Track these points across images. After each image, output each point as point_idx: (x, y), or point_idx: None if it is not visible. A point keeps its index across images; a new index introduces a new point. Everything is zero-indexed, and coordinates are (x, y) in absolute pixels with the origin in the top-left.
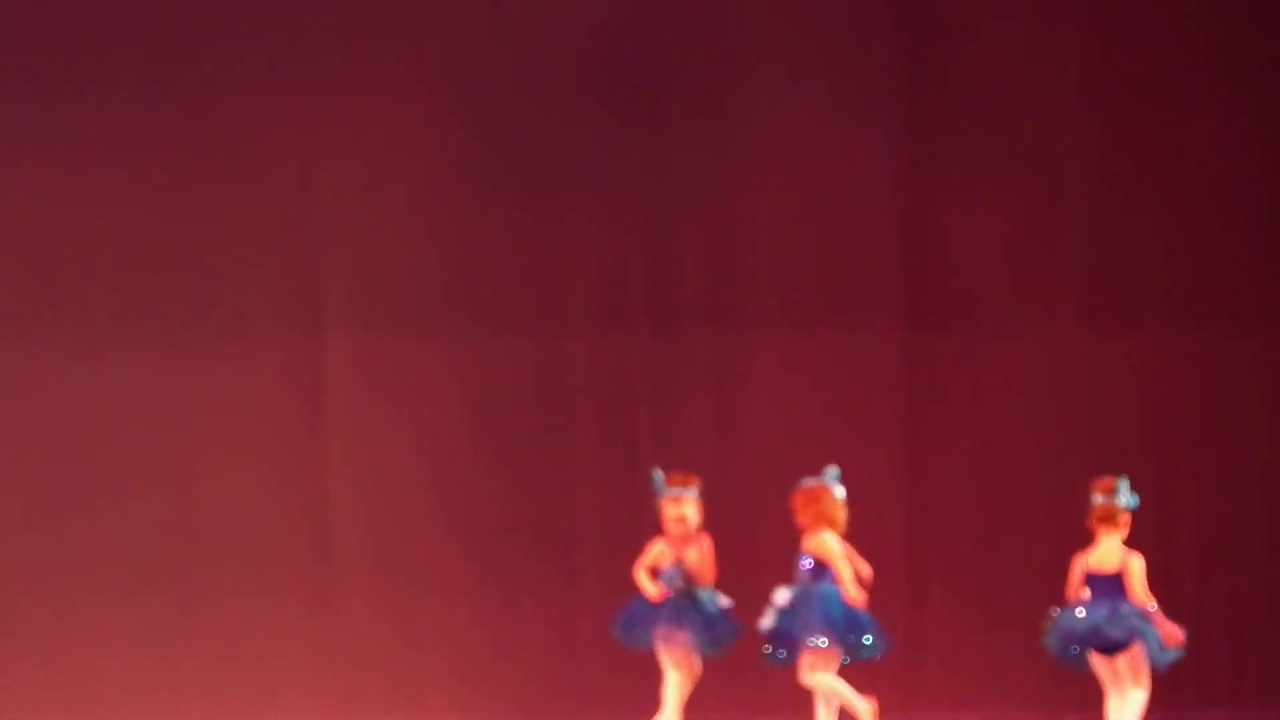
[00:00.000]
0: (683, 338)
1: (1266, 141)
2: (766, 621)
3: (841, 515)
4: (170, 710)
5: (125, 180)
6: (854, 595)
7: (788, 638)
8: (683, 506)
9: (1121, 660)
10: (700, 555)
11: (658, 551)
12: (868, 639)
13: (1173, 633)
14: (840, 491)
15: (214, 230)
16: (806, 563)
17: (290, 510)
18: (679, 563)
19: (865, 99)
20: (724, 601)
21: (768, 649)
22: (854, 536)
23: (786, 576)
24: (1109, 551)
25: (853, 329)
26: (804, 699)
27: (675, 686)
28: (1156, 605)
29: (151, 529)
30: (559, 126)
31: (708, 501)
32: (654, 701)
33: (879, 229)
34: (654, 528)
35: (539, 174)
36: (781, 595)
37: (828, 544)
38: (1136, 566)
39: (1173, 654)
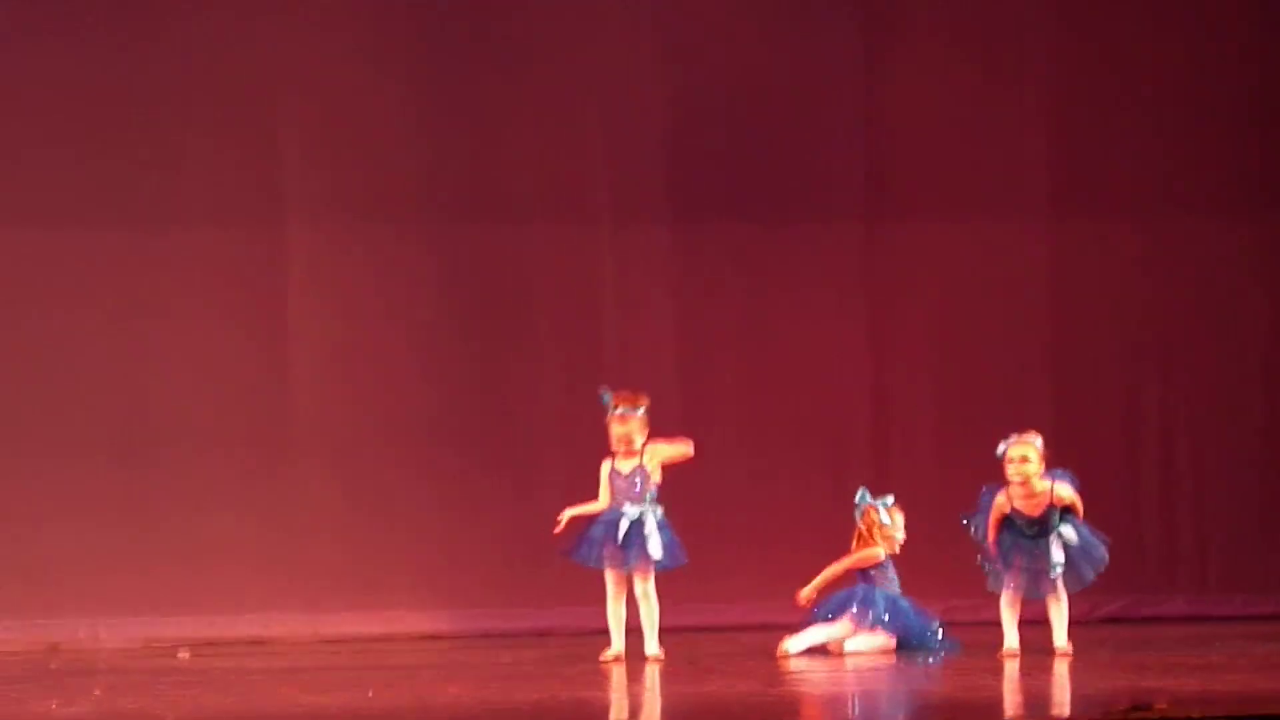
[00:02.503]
0: (644, 233)
1: (1232, 29)
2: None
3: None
4: (124, 589)
5: (88, 62)
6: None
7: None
8: (628, 425)
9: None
10: (652, 461)
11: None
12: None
13: None
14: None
15: (172, 112)
16: None
17: (248, 398)
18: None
19: None
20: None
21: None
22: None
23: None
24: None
25: (814, 219)
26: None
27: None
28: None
29: (110, 408)
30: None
31: (670, 401)
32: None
33: (840, 119)
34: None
35: (499, 65)
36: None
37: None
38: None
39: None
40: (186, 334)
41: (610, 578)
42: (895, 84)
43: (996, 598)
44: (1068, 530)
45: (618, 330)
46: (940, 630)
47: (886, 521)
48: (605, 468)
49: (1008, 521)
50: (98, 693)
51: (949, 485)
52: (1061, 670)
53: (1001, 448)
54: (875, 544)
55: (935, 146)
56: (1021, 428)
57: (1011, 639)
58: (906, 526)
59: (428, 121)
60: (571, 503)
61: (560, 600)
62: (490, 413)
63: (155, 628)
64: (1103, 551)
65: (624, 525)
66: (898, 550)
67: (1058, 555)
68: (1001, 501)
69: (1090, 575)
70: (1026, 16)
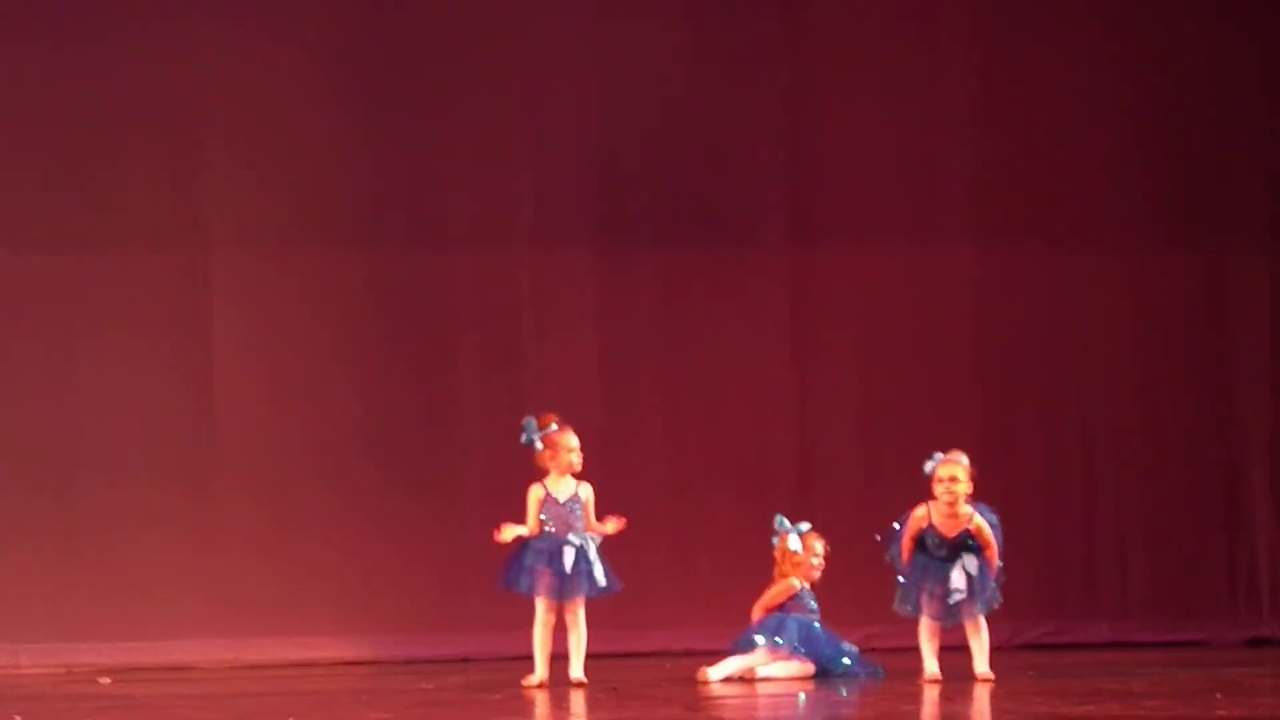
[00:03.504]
0: (568, 256)
1: (1155, 55)
2: None
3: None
4: (44, 615)
5: (9, 83)
6: None
7: None
8: (575, 441)
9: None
10: (587, 491)
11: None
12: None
13: None
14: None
15: (98, 136)
16: None
17: (170, 422)
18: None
19: (748, 14)
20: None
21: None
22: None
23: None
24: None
25: (738, 242)
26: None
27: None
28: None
29: (33, 434)
30: (442, 37)
31: (593, 424)
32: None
33: (763, 142)
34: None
35: (427, 86)
36: None
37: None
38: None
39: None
40: (107, 357)
41: (543, 605)
42: (819, 109)
43: (917, 624)
44: (970, 560)
45: (541, 352)
46: (856, 656)
47: (796, 549)
48: (538, 492)
49: (920, 541)
50: (17, 718)
51: (872, 509)
52: (982, 696)
53: (930, 465)
54: (787, 573)
55: (858, 171)
56: (946, 450)
57: (931, 665)
58: (829, 552)
59: (353, 144)
60: (494, 525)
61: (482, 626)
62: (413, 437)
63: (76, 654)
64: (997, 594)
65: (569, 555)
66: (814, 577)
67: (958, 581)
68: (921, 515)
69: (981, 611)
70: (949, 44)
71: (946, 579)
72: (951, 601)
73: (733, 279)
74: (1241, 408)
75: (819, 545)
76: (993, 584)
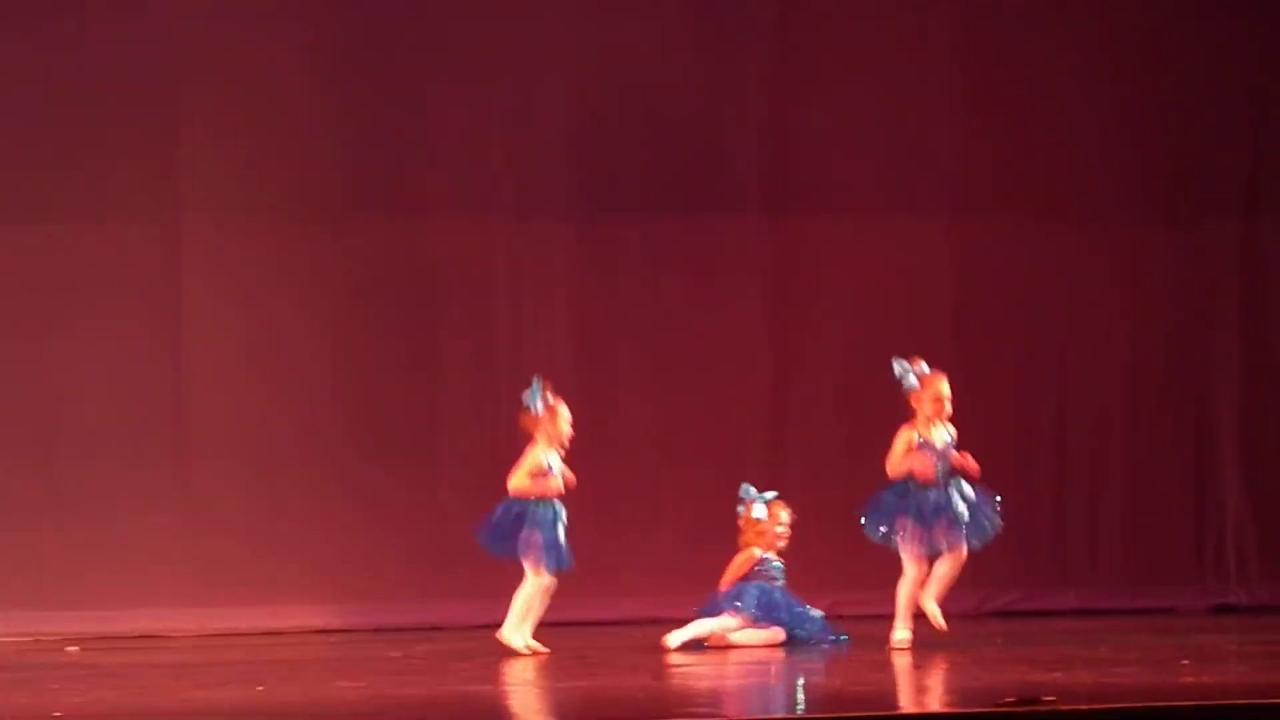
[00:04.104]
0: (546, 228)
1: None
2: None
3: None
4: (12, 584)
5: None
6: None
7: None
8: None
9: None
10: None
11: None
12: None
13: None
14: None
15: (72, 110)
16: None
17: (141, 393)
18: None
19: None
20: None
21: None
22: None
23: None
24: None
25: (716, 214)
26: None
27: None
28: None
29: (4, 407)
30: (420, 12)
31: (569, 395)
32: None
33: (742, 115)
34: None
35: (404, 60)
36: None
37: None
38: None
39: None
40: (81, 332)
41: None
42: (799, 84)
43: (885, 593)
44: (963, 485)
45: (518, 324)
46: (820, 623)
47: (760, 518)
48: (553, 458)
49: (900, 490)
50: None
51: (846, 480)
52: (951, 663)
53: (915, 376)
54: (750, 542)
55: (838, 147)
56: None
57: (903, 630)
58: (802, 522)
59: (330, 116)
60: (469, 497)
61: (450, 595)
62: (384, 408)
63: (44, 623)
64: (997, 518)
65: (561, 527)
66: (779, 546)
67: (960, 505)
68: (913, 436)
69: (989, 530)
70: (930, 22)
71: (945, 505)
72: (961, 523)
73: (711, 253)
74: (1211, 379)
75: (784, 514)
76: (989, 508)
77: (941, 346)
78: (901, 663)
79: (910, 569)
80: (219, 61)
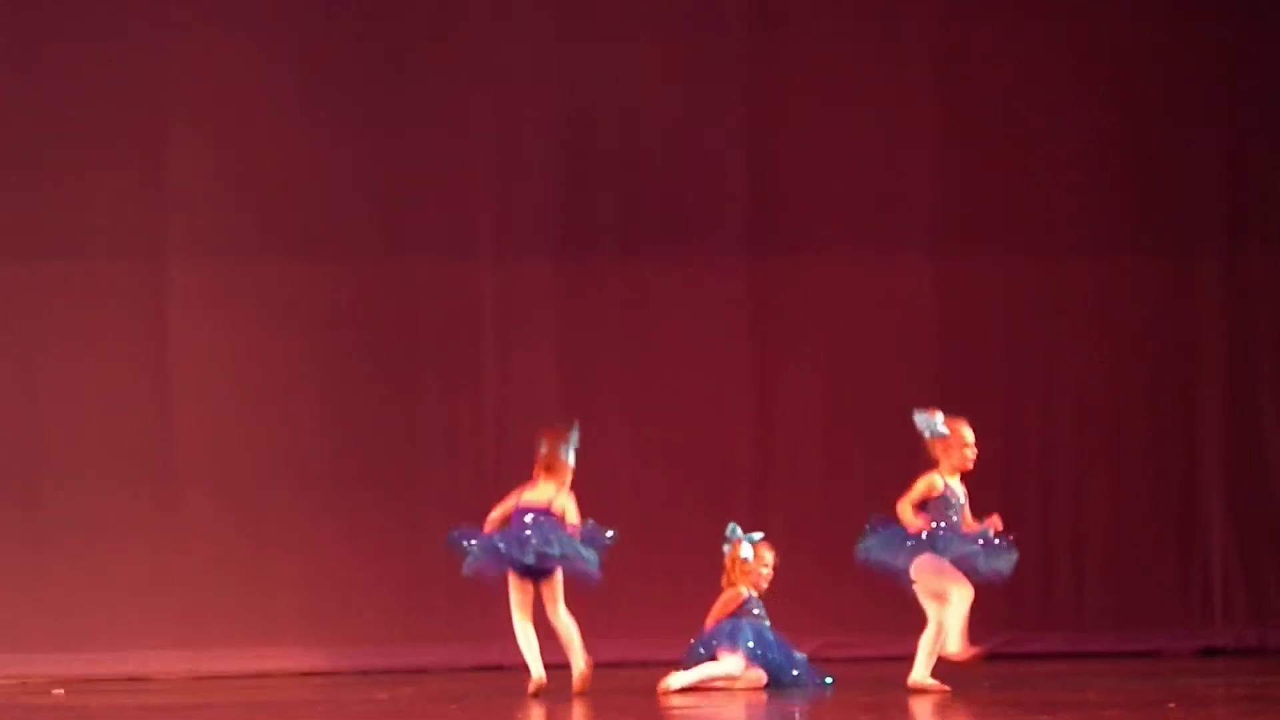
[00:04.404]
0: (528, 266)
1: (1115, 66)
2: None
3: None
4: (7, 626)
5: None
6: None
7: None
8: None
9: None
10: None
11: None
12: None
13: None
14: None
15: (59, 144)
16: None
17: (128, 432)
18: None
19: (712, 28)
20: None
21: None
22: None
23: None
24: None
25: (698, 252)
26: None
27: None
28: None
29: None
30: (405, 50)
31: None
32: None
33: (724, 153)
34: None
35: (389, 97)
36: None
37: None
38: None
39: None
40: (69, 367)
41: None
42: (782, 120)
43: (870, 636)
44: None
45: (503, 363)
46: (805, 665)
47: (747, 558)
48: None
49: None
50: None
51: (831, 519)
52: (939, 706)
53: (938, 422)
54: (736, 580)
55: (821, 180)
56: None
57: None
58: (787, 562)
59: (314, 154)
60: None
61: (439, 638)
62: (373, 448)
63: (30, 665)
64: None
65: None
66: (763, 587)
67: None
68: (937, 482)
69: (1001, 568)
70: (911, 54)
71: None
72: (996, 543)
73: (694, 290)
74: (1196, 416)
75: (769, 555)
76: (1001, 541)
77: (924, 382)
78: (891, 707)
79: (960, 593)
80: (205, 100)
